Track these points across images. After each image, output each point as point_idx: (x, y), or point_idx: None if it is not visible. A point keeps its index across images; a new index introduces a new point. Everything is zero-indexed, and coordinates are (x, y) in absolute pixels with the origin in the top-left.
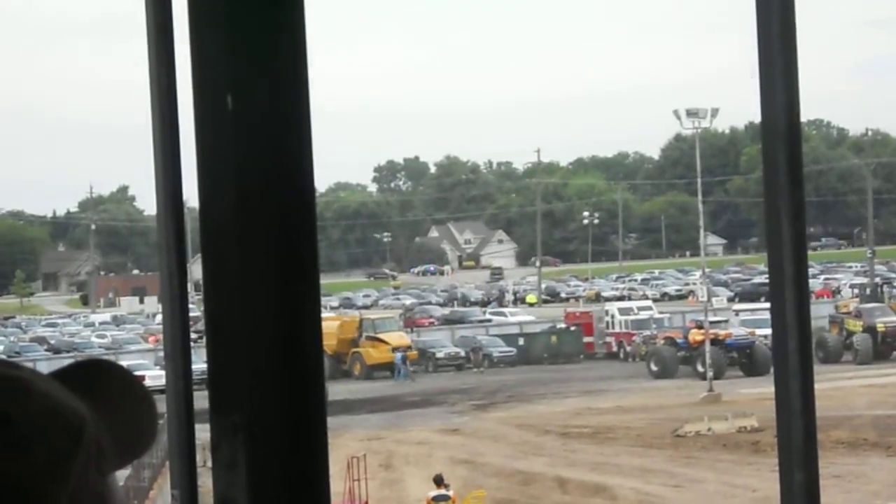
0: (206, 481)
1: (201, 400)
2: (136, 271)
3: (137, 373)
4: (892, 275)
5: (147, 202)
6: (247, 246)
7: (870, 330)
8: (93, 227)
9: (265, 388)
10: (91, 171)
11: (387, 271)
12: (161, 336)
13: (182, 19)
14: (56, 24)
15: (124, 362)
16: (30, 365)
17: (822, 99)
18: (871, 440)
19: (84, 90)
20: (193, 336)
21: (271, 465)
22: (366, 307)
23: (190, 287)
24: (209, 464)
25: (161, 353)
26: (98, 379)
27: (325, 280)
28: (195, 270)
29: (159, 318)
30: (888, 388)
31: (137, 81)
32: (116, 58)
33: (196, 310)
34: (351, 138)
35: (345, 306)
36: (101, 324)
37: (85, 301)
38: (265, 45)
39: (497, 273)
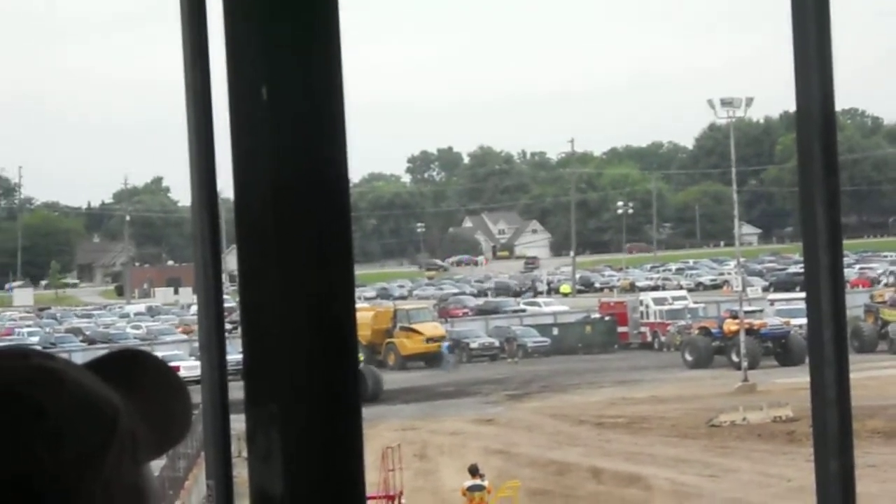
0: (241, 472)
1: (236, 391)
2: (170, 262)
3: (172, 363)
4: None
5: (181, 193)
6: (282, 237)
7: None
8: (127, 218)
9: (300, 379)
10: (126, 163)
11: (438, 262)
12: (196, 327)
13: (216, 11)
14: (91, 20)
15: (159, 353)
16: (65, 356)
17: (856, 87)
18: None
19: (118, 84)
20: (228, 327)
21: (307, 456)
22: (402, 297)
23: (224, 278)
24: (244, 454)
25: (196, 344)
26: (133, 369)
27: (359, 271)
28: (230, 261)
29: (194, 308)
30: None
31: (174, 73)
32: (152, 51)
33: (231, 300)
34: (385, 130)
35: (381, 296)
36: (136, 314)
37: (120, 292)
38: (300, 37)
39: (531, 263)
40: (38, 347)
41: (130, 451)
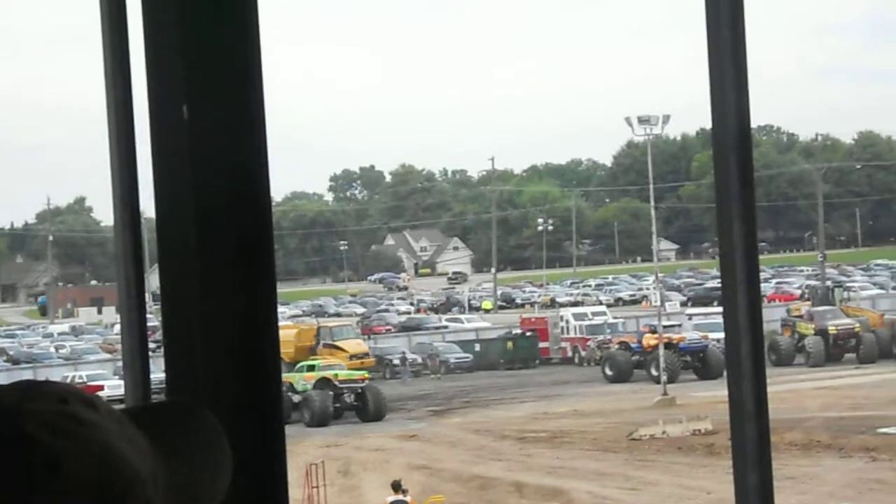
0: None
1: None
2: (94, 282)
3: (95, 383)
4: (843, 278)
5: (104, 213)
6: (204, 255)
7: (822, 332)
8: (50, 238)
9: (223, 395)
10: (48, 183)
11: (401, 279)
12: (119, 346)
13: (138, 32)
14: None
15: (83, 372)
16: None
17: (772, 103)
18: (824, 442)
19: (42, 104)
20: (151, 346)
21: (231, 473)
22: (338, 314)
23: (148, 297)
24: None
25: (119, 363)
26: (186, 424)
27: (282, 289)
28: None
29: (117, 328)
30: (840, 389)
31: (95, 94)
32: (75, 69)
33: (154, 319)
34: (307, 148)
35: (317, 314)
36: (59, 334)
37: (43, 312)
38: (220, 58)
39: (455, 279)
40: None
41: None
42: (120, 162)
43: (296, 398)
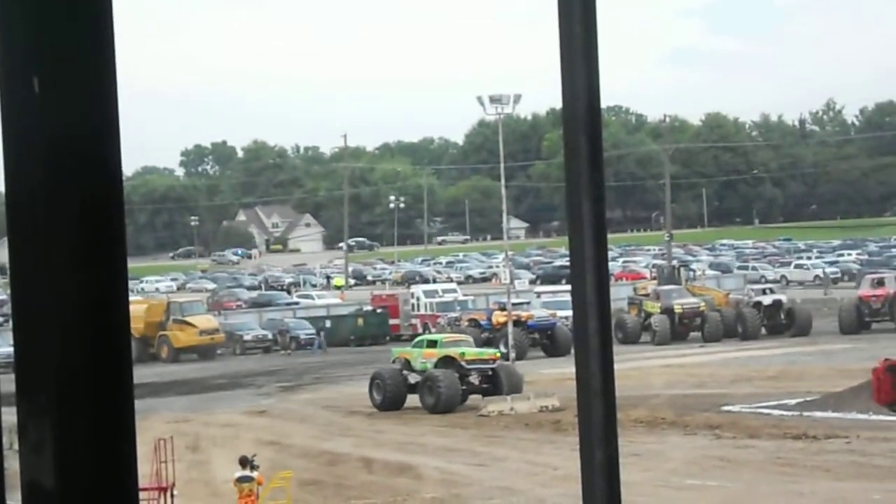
0: (13, 464)
1: (7, 384)
2: None
3: None
4: (689, 258)
5: None
6: (53, 229)
7: (667, 311)
8: None
9: (72, 370)
10: None
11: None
12: None
13: None
14: None
15: None
16: None
17: (621, 85)
18: (668, 419)
19: None
20: (0, 320)
21: (79, 448)
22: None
23: None
24: (16, 446)
25: None
26: None
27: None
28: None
29: None
30: (685, 367)
31: None
32: None
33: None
34: (159, 122)
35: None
36: None
37: None
38: (71, 29)
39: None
40: None
41: None
42: None
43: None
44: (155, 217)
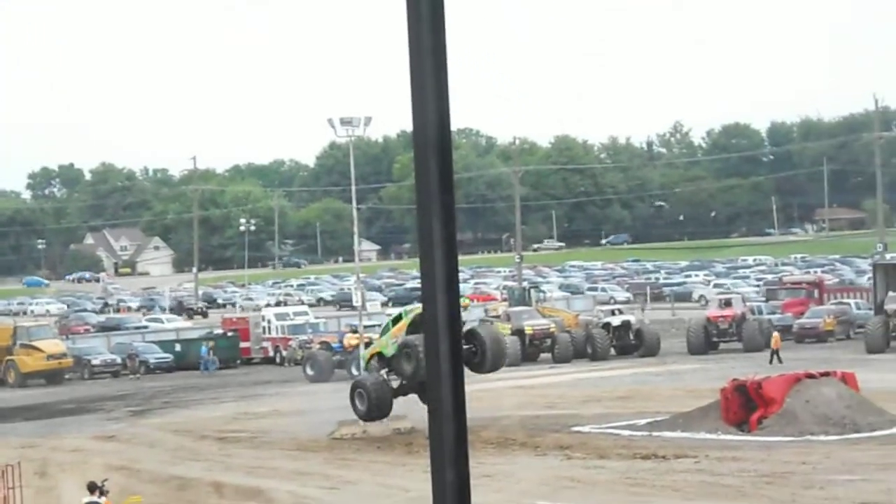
0: None
1: None
2: None
3: None
4: (540, 279)
5: None
6: None
7: (518, 332)
8: None
9: None
10: None
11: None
12: None
13: None
14: None
15: None
16: None
17: (471, 108)
18: (519, 440)
19: None
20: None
21: None
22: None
23: None
24: None
25: None
26: None
27: None
28: None
29: None
30: (535, 388)
31: None
32: None
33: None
34: (3, 144)
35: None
36: None
37: None
38: None
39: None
40: None
41: None
42: None
43: None
44: (1, 240)
